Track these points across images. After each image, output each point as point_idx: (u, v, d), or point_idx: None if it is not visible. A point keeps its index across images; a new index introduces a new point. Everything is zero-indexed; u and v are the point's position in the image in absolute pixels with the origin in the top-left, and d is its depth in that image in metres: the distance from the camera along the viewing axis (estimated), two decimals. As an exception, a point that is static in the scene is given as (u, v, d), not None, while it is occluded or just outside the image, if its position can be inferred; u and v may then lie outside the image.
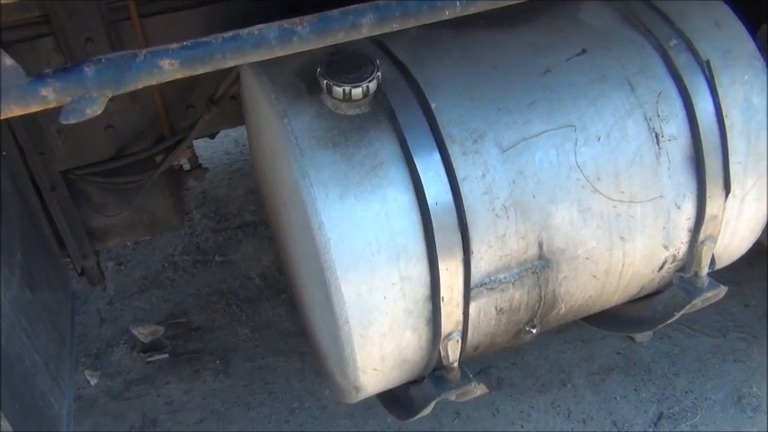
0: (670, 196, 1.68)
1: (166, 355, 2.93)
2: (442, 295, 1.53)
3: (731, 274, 2.01)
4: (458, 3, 1.20)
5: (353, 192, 1.46)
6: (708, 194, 1.69)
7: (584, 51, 1.68)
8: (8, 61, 0.98)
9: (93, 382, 2.84)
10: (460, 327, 1.62)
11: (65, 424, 1.64)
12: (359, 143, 1.49)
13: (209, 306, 3.16)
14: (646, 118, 1.64)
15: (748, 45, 1.75)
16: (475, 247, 1.54)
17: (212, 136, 2.56)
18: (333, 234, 1.44)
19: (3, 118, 1.01)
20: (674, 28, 1.71)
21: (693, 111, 1.65)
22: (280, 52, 1.13)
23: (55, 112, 1.09)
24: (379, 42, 1.64)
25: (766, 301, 2.87)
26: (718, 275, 1.89)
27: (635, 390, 2.63)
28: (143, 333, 2.99)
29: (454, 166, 1.51)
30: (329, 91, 1.47)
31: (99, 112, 1.04)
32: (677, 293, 1.87)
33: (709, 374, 2.66)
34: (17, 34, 1.81)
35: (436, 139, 1.51)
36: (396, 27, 1.18)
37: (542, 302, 1.71)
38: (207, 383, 2.80)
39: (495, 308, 1.66)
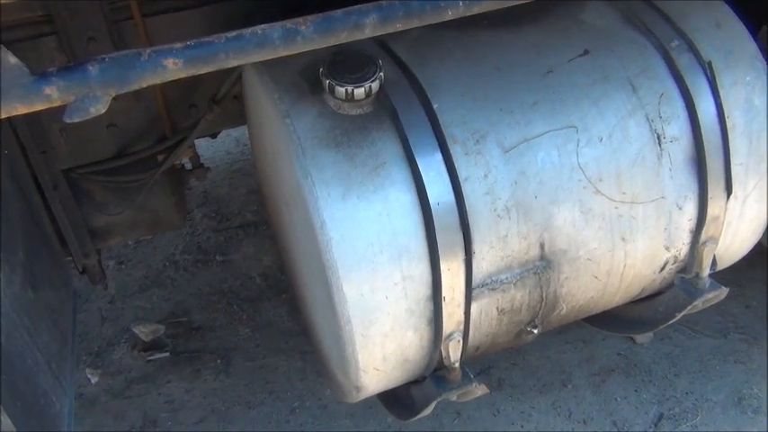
0: (672, 197, 1.68)
1: (167, 354, 2.93)
2: (443, 295, 1.53)
3: (732, 276, 2.01)
4: (461, 3, 1.20)
5: (356, 191, 1.46)
6: (709, 196, 1.69)
7: (586, 52, 1.68)
8: (12, 60, 0.98)
9: (94, 380, 2.84)
10: (462, 327, 1.62)
11: (66, 422, 1.65)
12: (361, 143, 1.49)
13: (209, 305, 3.17)
14: (648, 119, 1.64)
15: (750, 46, 1.75)
16: (477, 247, 1.54)
17: (214, 135, 2.57)
18: (335, 234, 1.45)
19: (7, 116, 1.01)
20: (675, 29, 1.72)
21: (695, 112, 1.65)
22: (283, 52, 1.13)
23: (57, 111, 1.09)
24: (381, 42, 1.64)
25: (766, 303, 2.87)
26: (720, 276, 1.89)
27: (635, 390, 2.63)
28: (144, 332, 2.99)
29: (456, 166, 1.51)
30: (332, 91, 1.47)
31: (103, 110, 1.04)
32: (678, 294, 1.88)
33: (709, 375, 2.66)
34: (20, 33, 1.81)
35: (438, 140, 1.51)
36: (399, 27, 1.18)
37: (544, 303, 1.71)
38: (208, 382, 2.80)
39: (497, 308, 1.66)
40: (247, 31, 1.10)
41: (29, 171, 2.00)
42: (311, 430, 2.58)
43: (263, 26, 1.11)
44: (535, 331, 1.76)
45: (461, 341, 1.63)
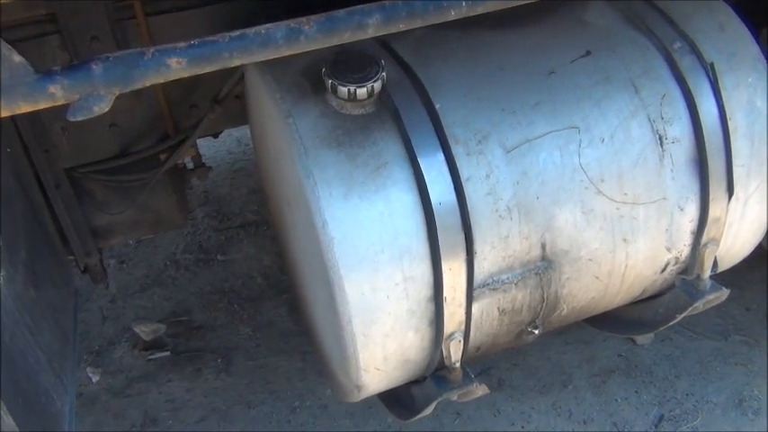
0: (673, 198, 1.68)
1: (168, 354, 2.93)
2: (444, 295, 1.53)
3: (733, 277, 2.01)
4: (464, 3, 1.20)
5: (357, 191, 1.46)
6: (711, 197, 1.69)
7: (588, 53, 1.68)
8: (16, 58, 0.98)
9: (95, 379, 2.84)
10: (463, 327, 1.62)
11: (67, 421, 1.65)
12: (363, 143, 1.50)
13: (210, 305, 3.17)
14: (650, 120, 1.64)
15: (752, 48, 1.75)
16: (478, 247, 1.54)
17: (216, 135, 2.57)
18: (336, 233, 1.45)
19: (11, 114, 1.01)
20: (678, 30, 1.72)
21: (697, 113, 1.65)
22: (286, 51, 1.14)
23: (60, 110, 1.09)
24: (383, 42, 1.64)
25: (767, 305, 2.87)
26: (721, 278, 1.89)
27: (636, 392, 2.63)
28: (145, 331, 3.00)
29: (458, 166, 1.51)
30: (334, 91, 1.48)
31: (106, 109, 1.05)
32: (679, 296, 1.88)
33: (710, 377, 2.66)
34: (23, 32, 1.81)
35: (440, 140, 1.51)
36: (402, 27, 1.19)
37: (545, 303, 1.71)
38: (208, 382, 2.81)
39: (498, 308, 1.66)
40: (251, 30, 1.10)
41: (31, 170, 2.01)
42: (311, 430, 2.59)
43: (266, 26, 1.12)
44: (536, 332, 1.77)
45: (462, 341, 1.63)
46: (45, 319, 1.68)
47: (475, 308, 1.61)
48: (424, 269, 1.52)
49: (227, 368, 2.86)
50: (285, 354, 2.89)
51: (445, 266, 1.50)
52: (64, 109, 1.07)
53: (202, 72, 1.11)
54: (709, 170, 1.67)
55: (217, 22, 1.97)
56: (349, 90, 1.46)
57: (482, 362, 2.71)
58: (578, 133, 1.60)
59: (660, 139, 1.64)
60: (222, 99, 2.07)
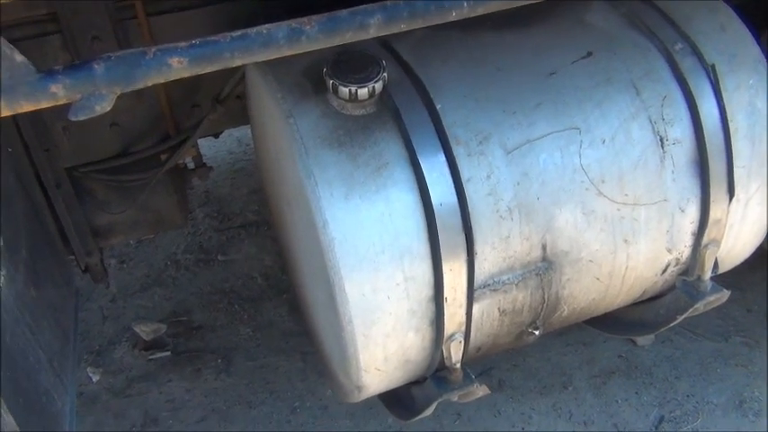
0: (674, 200, 1.68)
1: (168, 353, 2.94)
2: (445, 296, 1.53)
3: (734, 279, 2.01)
4: (465, 4, 1.20)
5: (358, 191, 1.46)
6: (712, 198, 1.69)
7: (589, 54, 1.68)
8: (18, 57, 0.98)
9: (95, 379, 2.84)
10: (463, 328, 1.62)
11: (67, 421, 1.65)
12: (364, 143, 1.50)
13: (211, 305, 3.17)
14: (651, 121, 1.64)
15: (753, 50, 1.75)
16: (479, 248, 1.54)
17: (217, 135, 2.57)
18: (337, 233, 1.45)
19: (13, 113, 1.02)
20: (679, 32, 1.72)
21: (698, 114, 1.65)
22: (288, 52, 1.14)
23: (61, 109, 1.09)
24: (384, 43, 1.64)
25: (766, 306, 2.87)
26: (721, 279, 1.89)
27: (636, 393, 2.63)
28: (145, 331, 3.00)
29: (459, 167, 1.51)
30: (335, 91, 1.48)
31: (108, 108, 1.05)
32: (680, 297, 1.88)
33: (710, 378, 2.66)
34: (24, 31, 1.81)
35: (441, 140, 1.51)
36: (403, 28, 1.19)
37: (545, 304, 1.71)
38: (208, 382, 2.81)
39: (498, 309, 1.66)
40: (252, 30, 1.10)
41: (32, 169, 2.01)
42: (312, 430, 2.59)
43: (268, 26, 1.12)
44: (536, 332, 1.77)
45: (463, 342, 1.63)
46: (46, 319, 1.68)
47: (475, 308, 1.61)
48: (424, 269, 1.52)
49: (228, 368, 2.86)
50: (285, 354, 2.89)
51: (446, 267, 1.50)
52: (65, 108, 1.07)
53: (204, 72, 1.11)
54: (710, 172, 1.67)
55: (218, 21, 1.98)
56: (350, 90, 1.46)
57: (482, 363, 2.70)
58: (579, 134, 1.60)
59: (661, 140, 1.64)
60: (223, 99, 2.08)
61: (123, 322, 3.10)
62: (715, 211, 1.71)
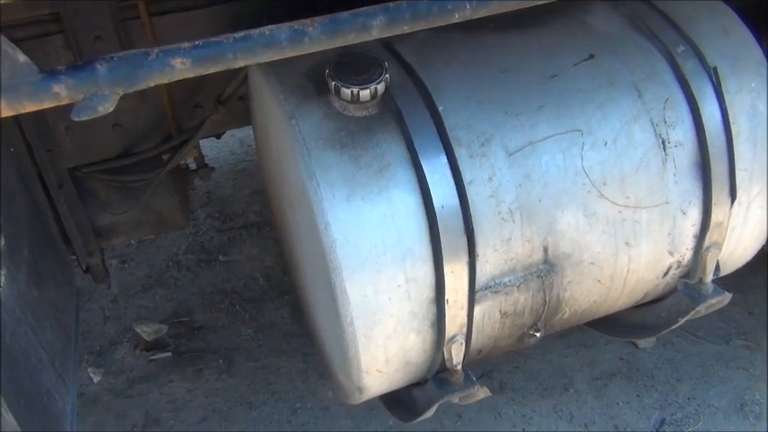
0: (676, 202, 1.68)
1: (169, 354, 2.94)
2: (446, 298, 1.53)
3: (735, 282, 2.01)
4: (467, 6, 1.20)
5: (360, 193, 1.46)
6: (713, 201, 1.69)
7: (591, 56, 1.68)
8: (21, 57, 0.98)
9: (97, 379, 2.84)
10: (465, 330, 1.62)
11: (69, 421, 1.65)
12: (366, 145, 1.50)
13: (212, 305, 3.17)
14: (652, 124, 1.64)
15: (755, 52, 1.75)
16: (480, 250, 1.54)
17: (219, 136, 2.57)
18: (339, 235, 1.45)
19: (15, 114, 1.02)
20: (681, 34, 1.72)
21: (700, 117, 1.65)
22: (290, 53, 1.14)
23: (63, 110, 1.10)
24: (387, 44, 1.64)
25: (767, 309, 2.87)
26: (723, 282, 1.89)
27: (637, 395, 2.62)
28: (146, 331, 3.00)
29: (461, 168, 1.51)
30: (337, 92, 1.48)
31: (111, 109, 1.05)
32: (681, 300, 1.87)
33: (711, 381, 2.65)
34: (27, 31, 1.82)
35: (443, 142, 1.51)
36: (406, 29, 1.19)
37: (546, 306, 1.71)
38: (210, 382, 2.81)
39: (500, 311, 1.66)
40: (255, 31, 1.10)
41: (34, 169, 2.01)
42: (312, 431, 2.58)
43: (270, 27, 1.12)
44: (538, 335, 1.76)
45: (464, 344, 1.63)
46: (47, 319, 1.68)
47: (477, 310, 1.61)
48: (426, 271, 1.52)
49: (229, 369, 2.86)
50: (287, 355, 2.90)
51: (447, 269, 1.50)
52: (68, 108, 1.07)
53: (206, 73, 1.11)
54: (711, 174, 1.67)
55: (221, 22, 1.98)
56: (352, 92, 1.47)
57: (483, 364, 2.70)
58: (581, 136, 1.60)
59: (663, 142, 1.64)
60: (226, 100, 2.08)
61: (124, 323, 3.10)
62: (717, 214, 1.71)
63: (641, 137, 1.63)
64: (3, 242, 1.49)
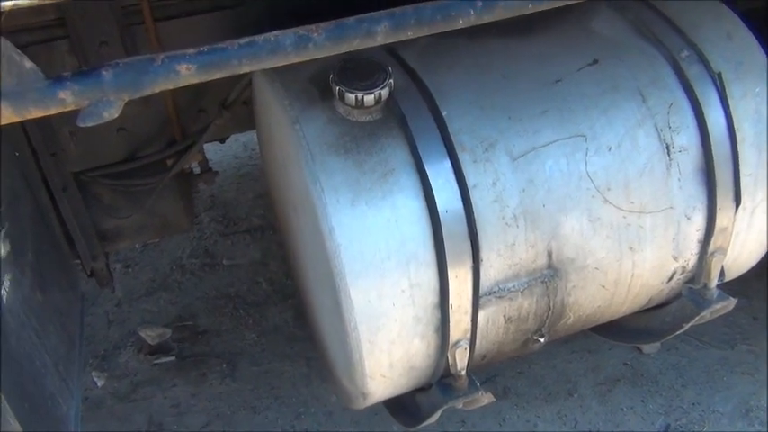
0: (680, 207, 1.68)
1: (173, 358, 2.94)
2: (450, 303, 1.53)
3: (740, 287, 2.00)
4: (472, 12, 1.20)
5: (364, 198, 1.46)
6: (718, 206, 1.69)
7: (595, 62, 1.68)
8: (28, 64, 0.99)
9: (100, 383, 2.85)
10: (469, 335, 1.62)
11: (72, 425, 1.65)
12: (370, 150, 1.50)
13: (216, 309, 3.17)
14: (657, 129, 1.64)
15: (760, 57, 1.75)
16: (484, 254, 1.54)
17: (223, 140, 2.58)
18: (343, 240, 1.45)
19: (21, 120, 1.02)
20: (685, 39, 1.72)
21: (705, 122, 1.65)
22: (295, 59, 1.14)
23: (68, 114, 1.10)
24: (391, 50, 1.65)
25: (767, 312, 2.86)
26: (727, 287, 1.88)
27: (642, 401, 2.62)
28: (150, 335, 3.00)
29: (465, 173, 1.51)
30: (341, 97, 1.48)
31: (116, 115, 1.05)
32: (686, 305, 1.87)
33: (716, 387, 2.64)
34: (32, 37, 1.83)
35: (447, 147, 1.52)
36: (410, 35, 1.19)
37: (551, 312, 1.71)
38: (213, 387, 2.81)
39: (504, 316, 1.66)
40: (260, 37, 1.11)
41: (39, 173, 2.01)
42: (316, 436, 2.59)
43: (275, 33, 1.12)
44: (542, 340, 1.76)
45: (468, 349, 1.63)
46: (51, 323, 1.69)
47: (481, 315, 1.61)
48: (430, 276, 1.52)
49: (233, 373, 2.86)
50: (290, 359, 2.89)
51: (451, 274, 1.50)
52: (73, 114, 1.07)
53: (211, 78, 1.11)
54: (716, 179, 1.66)
55: (225, 27, 1.98)
56: (356, 97, 1.47)
57: (487, 370, 2.70)
58: (585, 141, 1.60)
59: (667, 147, 1.64)
60: (230, 104, 2.08)
61: (128, 327, 3.11)
62: (721, 219, 1.71)
63: (645, 142, 1.63)
64: (8, 246, 1.50)
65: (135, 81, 1.05)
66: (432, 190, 1.47)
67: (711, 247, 1.75)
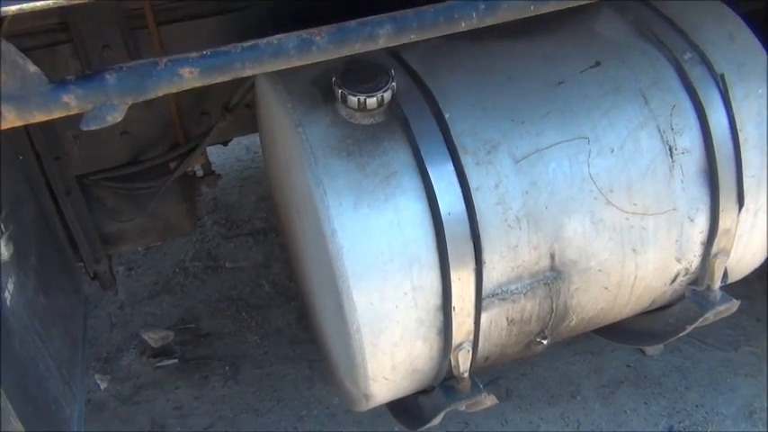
0: (683, 209, 1.68)
1: (176, 361, 2.94)
2: (453, 305, 1.53)
3: (743, 289, 2.00)
4: (474, 14, 1.20)
5: (367, 200, 1.46)
6: (721, 208, 1.69)
7: (598, 63, 1.68)
8: (31, 68, 0.99)
9: (103, 386, 2.85)
10: (471, 337, 1.61)
11: (76, 428, 1.65)
12: (373, 152, 1.50)
13: (218, 312, 3.18)
14: (659, 130, 1.64)
15: (762, 58, 1.74)
16: (487, 257, 1.54)
17: (225, 143, 2.59)
18: (346, 242, 1.45)
19: (25, 124, 1.02)
20: (688, 41, 1.72)
21: (707, 124, 1.65)
22: (298, 62, 1.14)
23: (72, 118, 1.10)
24: (393, 52, 1.65)
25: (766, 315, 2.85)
26: (731, 289, 1.88)
27: (645, 403, 2.61)
28: (153, 338, 3.00)
29: (467, 176, 1.51)
30: (344, 100, 1.48)
31: (120, 119, 1.06)
32: (689, 307, 1.87)
33: (720, 389, 2.64)
34: (36, 41, 1.83)
35: (449, 150, 1.52)
36: (413, 38, 1.19)
37: (553, 314, 1.71)
38: (216, 389, 2.81)
39: (507, 318, 1.66)
40: (263, 40, 1.11)
41: (42, 177, 2.02)
42: (319, 438, 2.59)
43: (278, 36, 1.12)
44: (545, 342, 1.76)
45: (471, 351, 1.63)
46: (55, 326, 1.69)
47: (483, 318, 1.60)
48: (432, 278, 1.52)
49: (235, 376, 2.86)
50: (293, 362, 2.89)
51: (454, 276, 1.50)
52: (76, 117, 1.08)
53: (214, 82, 1.12)
54: (719, 181, 1.66)
55: (227, 30, 1.99)
56: (359, 100, 1.47)
57: (490, 372, 2.70)
58: (588, 143, 1.60)
59: (670, 149, 1.64)
60: (232, 107, 2.09)
61: (131, 329, 3.11)
62: (724, 221, 1.70)
63: (648, 144, 1.63)
64: (11, 249, 1.50)
65: (138, 85, 1.05)
66: (434, 192, 1.47)
67: (714, 249, 1.74)
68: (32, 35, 1.82)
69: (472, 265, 1.51)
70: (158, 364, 2.93)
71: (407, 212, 1.48)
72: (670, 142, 1.64)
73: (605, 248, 1.65)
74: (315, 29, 1.14)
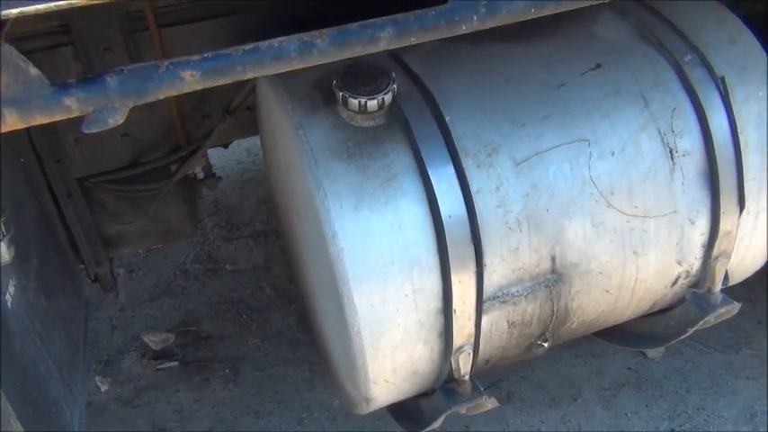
0: (684, 211, 1.68)
1: (176, 363, 2.94)
2: (454, 308, 1.53)
3: (744, 291, 2.00)
4: (475, 17, 1.20)
5: (367, 203, 1.47)
6: (722, 210, 1.69)
7: (598, 66, 1.68)
8: (33, 71, 0.99)
9: (104, 388, 2.85)
10: (472, 340, 1.61)
11: (76, 430, 1.65)
12: (373, 155, 1.50)
13: (219, 315, 3.17)
14: (660, 133, 1.64)
15: (763, 61, 1.75)
16: (488, 259, 1.54)
17: (226, 145, 2.59)
18: (346, 245, 1.45)
19: (27, 126, 1.03)
20: (688, 43, 1.72)
21: (708, 126, 1.65)
22: (299, 65, 1.14)
23: (73, 121, 1.10)
24: (394, 55, 1.65)
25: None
26: (732, 292, 1.88)
27: (646, 406, 2.61)
28: (154, 340, 3.00)
29: (468, 178, 1.51)
30: (345, 103, 1.48)
31: (121, 121, 1.06)
32: (690, 309, 1.87)
33: (721, 391, 2.63)
34: (37, 43, 1.83)
35: (450, 152, 1.52)
36: (413, 41, 1.19)
37: (554, 316, 1.71)
38: (216, 392, 2.81)
39: (507, 321, 1.66)
40: (264, 43, 1.11)
41: (44, 179, 2.02)
42: (319, 441, 2.58)
43: (279, 39, 1.12)
44: (545, 345, 1.76)
45: (472, 354, 1.63)
46: (56, 328, 1.69)
47: (484, 320, 1.60)
48: (433, 281, 1.52)
49: (236, 378, 2.86)
50: (293, 364, 2.89)
51: (455, 279, 1.50)
52: (78, 120, 1.08)
53: (215, 85, 1.12)
54: (720, 183, 1.66)
55: (228, 33, 1.99)
56: (360, 102, 1.47)
57: (491, 375, 2.69)
58: (588, 146, 1.60)
59: (671, 152, 1.64)
60: (233, 110, 2.09)
61: (132, 332, 3.11)
62: (725, 224, 1.70)
63: (649, 146, 1.63)
64: (12, 252, 1.50)
65: (140, 87, 1.05)
66: (435, 195, 1.47)
67: (715, 252, 1.74)
68: (34, 38, 1.82)
69: (473, 267, 1.51)
70: (159, 367, 2.93)
71: (408, 215, 1.48)
72: (671, 145, 1.64)
73: (606, 251, 1.65)
74: (316, 32, 1.14)
